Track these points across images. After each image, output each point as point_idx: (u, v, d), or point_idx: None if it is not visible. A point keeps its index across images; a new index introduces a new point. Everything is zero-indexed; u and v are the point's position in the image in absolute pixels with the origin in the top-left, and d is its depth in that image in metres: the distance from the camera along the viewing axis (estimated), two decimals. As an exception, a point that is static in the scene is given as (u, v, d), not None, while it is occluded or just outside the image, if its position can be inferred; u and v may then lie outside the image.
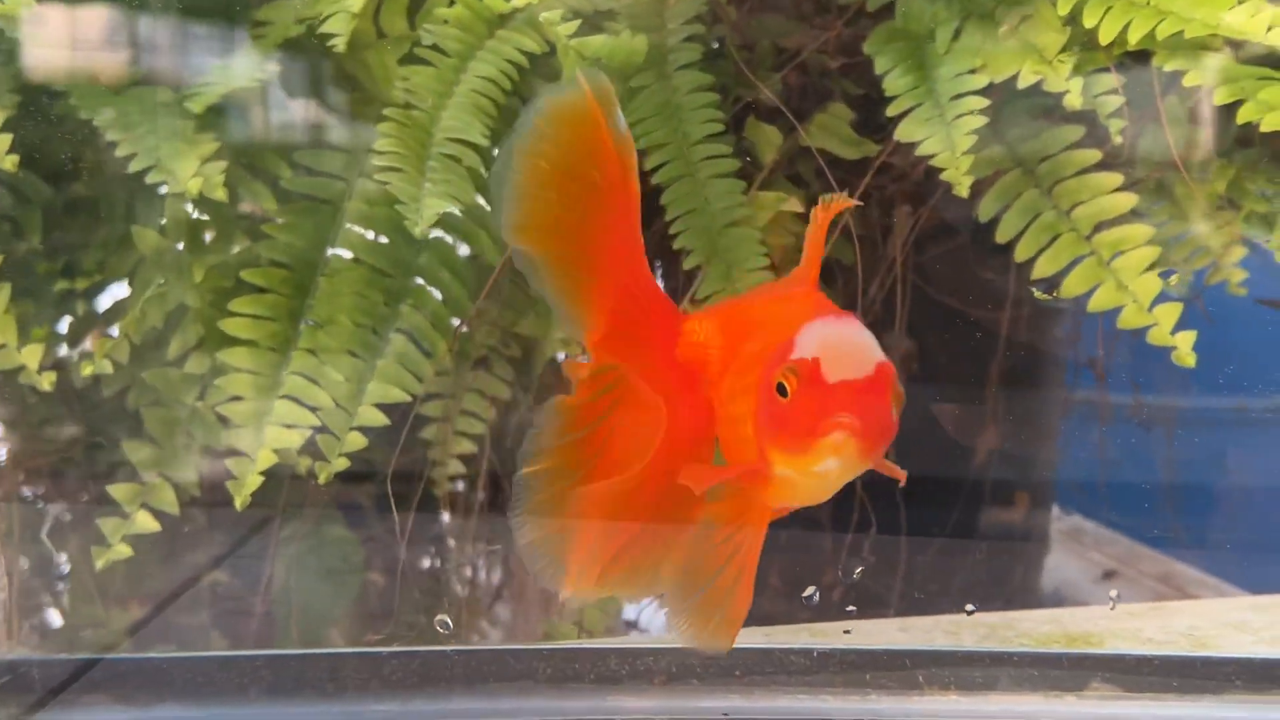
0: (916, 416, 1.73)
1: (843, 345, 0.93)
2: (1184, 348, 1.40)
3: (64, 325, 1.67)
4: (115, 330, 1.55)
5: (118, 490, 1.47)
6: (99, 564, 1.41)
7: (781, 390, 0.92)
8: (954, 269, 1.80)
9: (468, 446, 1.71)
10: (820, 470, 0.93)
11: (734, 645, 1.01)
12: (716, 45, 1.67)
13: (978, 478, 1.87)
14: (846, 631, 1.24)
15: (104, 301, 1.68)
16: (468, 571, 1.80)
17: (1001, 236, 1.50)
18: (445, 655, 1.30)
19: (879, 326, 1.75)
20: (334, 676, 1.31)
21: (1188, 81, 1.36)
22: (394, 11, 1.58)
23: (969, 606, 1.52)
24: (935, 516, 1.82)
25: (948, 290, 1.80)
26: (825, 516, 1.76)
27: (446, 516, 1.71)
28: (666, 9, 1.62)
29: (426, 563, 1.78)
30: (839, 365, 0.91)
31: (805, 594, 1.34)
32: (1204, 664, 1.37)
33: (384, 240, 1.54)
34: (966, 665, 1.33)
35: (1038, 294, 1.42)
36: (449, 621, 1.47)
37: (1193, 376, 1.56)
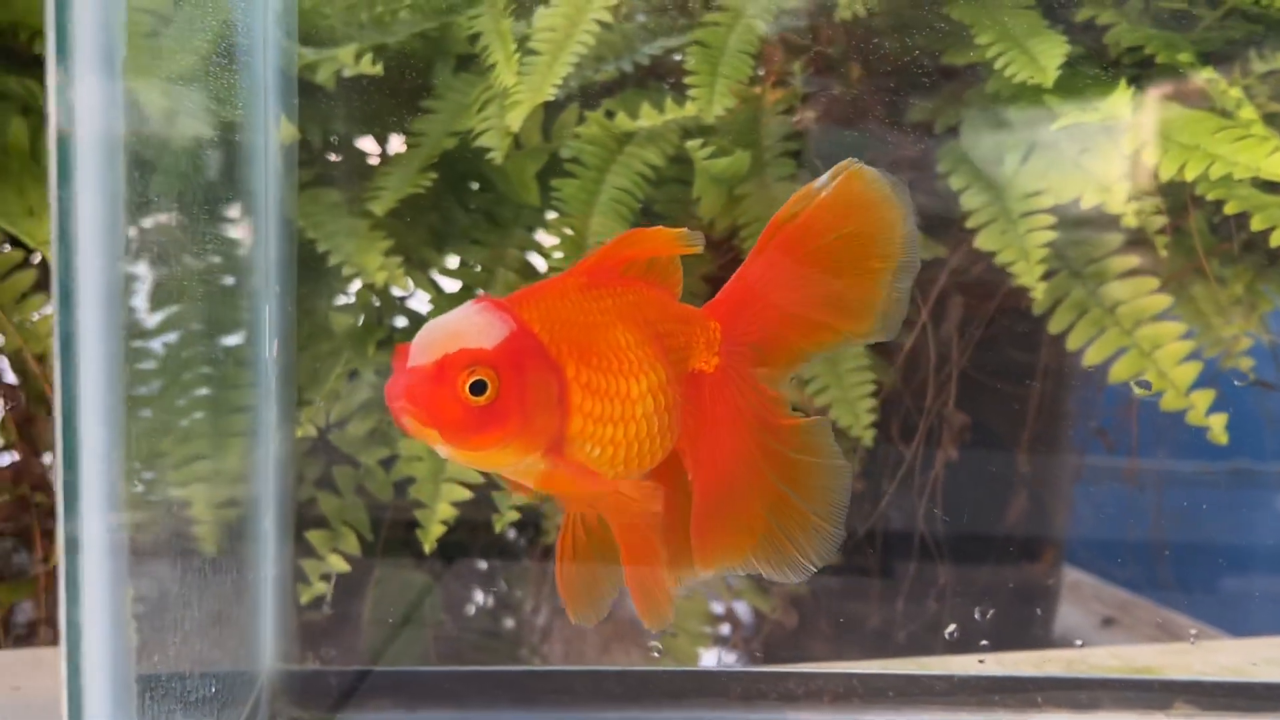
0: (970, 478, 1.99)
1: (427, 333, 0.94)
2: (1217, 427, 1.64)
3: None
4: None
5: (314, 536, 1.69)
6: (304, 599, 1.63)
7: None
8: (995, 352, 2.05)
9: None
10: (440, 451, 0.94)
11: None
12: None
13: (1007, 533, 2.12)
14: (980, 661, 1.49)
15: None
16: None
17: (1054, 328, 1.74)
18: (653, 674, 1.53)
19: (938, 400, 2.01)
20: (565, 689, 1.53)
21: (1229, 210, 1.63)
22: (531, 127, 1.82)
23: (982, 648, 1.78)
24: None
25: (988, 370, 2.05)
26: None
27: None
28: (761, 127, 1.87)
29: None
30: (416, 351, 0.93)
31: (947, 631, 1.60)
32: (1265, 689, 1.61)
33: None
34: (1076, 689, 1.57)
35: (1139, 390, 1.66)
36: (661, 648, 1.70)
37: (1187, 446, 1.80)
